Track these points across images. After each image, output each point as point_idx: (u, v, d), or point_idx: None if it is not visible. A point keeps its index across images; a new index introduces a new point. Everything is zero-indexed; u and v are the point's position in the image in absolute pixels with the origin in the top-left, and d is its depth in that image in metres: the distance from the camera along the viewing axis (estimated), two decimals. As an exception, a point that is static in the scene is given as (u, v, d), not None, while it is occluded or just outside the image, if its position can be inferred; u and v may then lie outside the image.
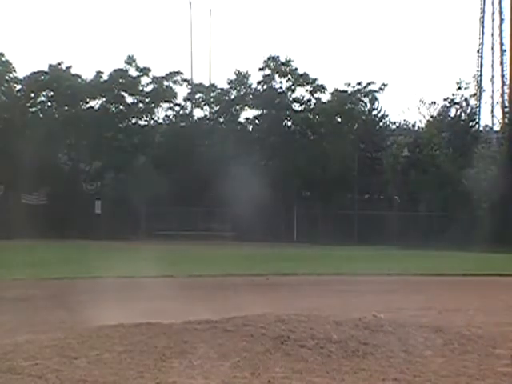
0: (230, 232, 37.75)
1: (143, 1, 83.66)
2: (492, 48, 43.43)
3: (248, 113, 43.37)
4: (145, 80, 42.92)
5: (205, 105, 43.39)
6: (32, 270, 14.78)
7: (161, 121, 43.72)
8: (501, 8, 43.06)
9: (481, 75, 43.43)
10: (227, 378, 4.99)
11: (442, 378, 5.11)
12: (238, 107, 42.54)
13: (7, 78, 41.99)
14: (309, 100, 42.21)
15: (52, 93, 42.26)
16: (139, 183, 37.12)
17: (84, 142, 42.43)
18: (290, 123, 42.49)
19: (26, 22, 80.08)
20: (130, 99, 42.95)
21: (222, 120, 42.98)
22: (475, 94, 42.39)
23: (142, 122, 43.79)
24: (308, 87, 41.97)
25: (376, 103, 41.62)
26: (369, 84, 41.11)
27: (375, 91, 41.09)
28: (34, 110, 43.16)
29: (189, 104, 43.79)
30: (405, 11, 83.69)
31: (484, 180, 34.48)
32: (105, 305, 9.38)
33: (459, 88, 40.33)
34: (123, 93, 42.63)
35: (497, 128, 42.70)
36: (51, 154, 39.43)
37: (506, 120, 39.61)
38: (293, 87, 42.21)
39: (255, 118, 42.77)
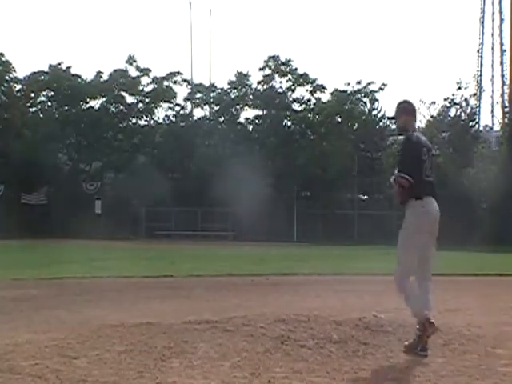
0: (230, 232, 37.77)
1: (143, 1, 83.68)
2: (492, 48, 43.45)
3: (248, 113, 43.47)
4: (145, 80, 43.00)
5: (205, 105, 43.41)
6: (32, 270, 14.78)
7: (161, 121, 43.77)
8: (501, 8, 43.06)
9: (481, 75, 43.45)
10: (227, 378, 4.99)
11: (442, 377, 5.11)
12: (238, 107, 42.56)
13: (7, 78, 41.99)
14: (309, 100, 42.23)
15: (52, 93, 42.30)
16: (139, 183, 37.11)
17: (84, 142, 42.48)
18: (289, 123, 42.49)
19: (26, 22, 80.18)
20: (130, 99, 43.01)
21: (222, 120, 43.00)
22: (475, 94, 42.38)
23: (142, 122, 43.87)
24: (308, 87, 41.99)
25: (376, 103, 41.66)
26: (369, 84, 41.13)
27: (375, 91, 41.11)
28: (33, 109, 43.21)
29: (189, 104, 43.84)
30: (405, 11, 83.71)
31: (484, 180, 34.45)
32: (105, 305, 9.38)
33: (459, 88, 40.27)
34: (123, 93, 42.66)
35: (497, 128, 42.73)
36: (51, 154, 39.43)
37: (506, 120, 39.60)
38: (293, 87, 42.22)
39: (255, 117, 42.79)
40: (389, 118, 36.32)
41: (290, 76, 41.90)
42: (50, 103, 43.21)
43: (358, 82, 41.08)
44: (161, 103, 43.07)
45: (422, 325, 6.04)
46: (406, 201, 6.16)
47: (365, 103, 41.67)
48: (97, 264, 17.61)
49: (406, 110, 6.38)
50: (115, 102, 42.75)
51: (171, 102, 43.22)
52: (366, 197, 41.32)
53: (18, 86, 42.72)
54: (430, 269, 6.22)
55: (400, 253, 6.20)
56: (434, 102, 41.22)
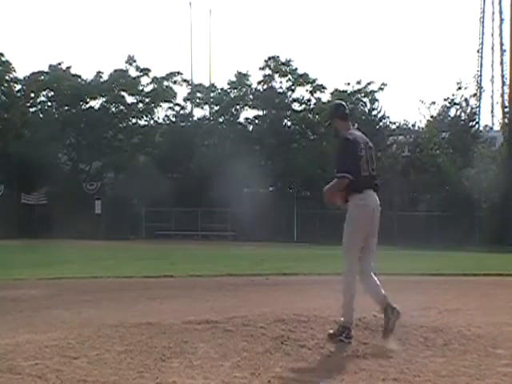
0: (230, 232, 37.77)
1: (143, 1, 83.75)
2: (492, 48, 43.40)
3: (248, 113, 43.40)
4: (145, 80, 43.02)
5: (205, 105, 43.42)
6: (32, 270, 14.78)
7: (161, 121, 43.79)
8: (501, 8, 43.00)
9: (481, 75, 43.41)
10: (227, 378, 4.99)
11: (442, 378, 5.11)
12: (237, 107, 42.55)
13: (7, 78, 42.02)
14: (309, 100, 42.22)
15: (52, 93, 42.32)
16: (139, 183, 37.13)
17: (84, 142, 42.49)
18: (289, 123, 42.49)
19: (26, 22, 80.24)
20: (130, 99, 43.03)
21: (221, 120, 42.99)
22: (475, 94, 42.37)
23: (142, 122, 43.89)
24: (308, 87, 41.98)
25: (376, 103, 41.63)
26: (368, 84, 41.12)
27: (375, 91, 41.09)
28: (33, 110, 43.24)
29: (189, 104, 43.85)
30: (405, 11, 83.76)
31: (484, 180, 34.48)
32: (105, 305, 9.38)
33: (459, 88, 40.32)
34: (123, 93, 42.67)
35: (497, 128, 42.73)
36: (51, 154, 39.46)
37: (506, 120, 39.60)
38: (293, 87, 42.22)
39: (255, 118, 42.78)
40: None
41: (289, 76, 41.89)
42: (50, 103, 43.23)
43: (358, 82, 41.11)
44: (161, 103, 43.11)
45: (384, 311, 6.14)
46: (348, 196, 6.29)
47: (365, 103, 41.65)
48: (97, 264, 17.61)
49: (336, 112, 6.85)
50: (115, 102, 42.77)
51: (171, 102, 43.26)
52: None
53: (18, 86, 42.77)
54: (370, 261, 6.30)
55: (345, 249, 6.29)
56: (434, 102, 41.36)
